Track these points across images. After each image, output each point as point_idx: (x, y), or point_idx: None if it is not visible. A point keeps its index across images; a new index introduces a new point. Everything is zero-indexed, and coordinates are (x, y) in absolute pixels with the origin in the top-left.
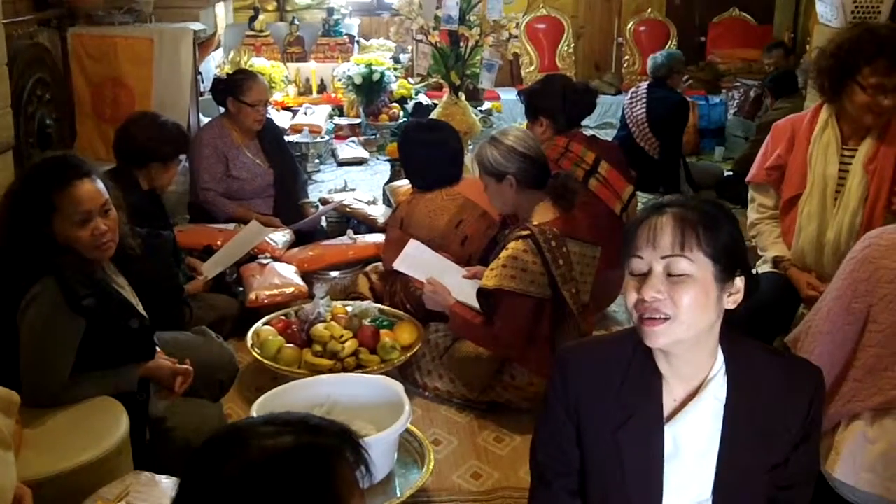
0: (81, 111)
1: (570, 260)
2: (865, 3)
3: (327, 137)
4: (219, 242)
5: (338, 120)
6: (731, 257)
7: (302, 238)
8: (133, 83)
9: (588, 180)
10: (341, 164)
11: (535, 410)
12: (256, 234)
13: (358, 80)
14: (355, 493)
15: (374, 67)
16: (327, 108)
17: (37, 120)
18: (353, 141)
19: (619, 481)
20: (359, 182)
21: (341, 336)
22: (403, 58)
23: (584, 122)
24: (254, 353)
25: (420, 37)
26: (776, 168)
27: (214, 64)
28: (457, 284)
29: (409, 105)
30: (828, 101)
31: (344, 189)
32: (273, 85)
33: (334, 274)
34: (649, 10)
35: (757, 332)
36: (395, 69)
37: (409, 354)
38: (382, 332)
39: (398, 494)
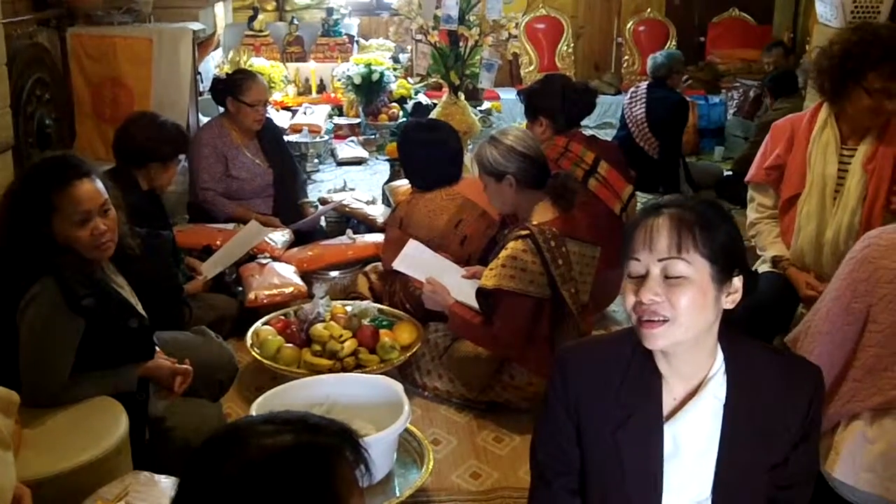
0: (81, 111)
1: (569, 260)
2: (865, 2)
3: (327, 137)
4: (218, 242)
5: (337, 120)
6: (729, 257)
7: (301, 238)
8: (132, 83)
9: (587, 180)
10: (341, 163)
11: (535, 410)
12: (256, 233)
13: (357, 80)
14: (355, 492)
15: (373, 67)
16: (327, 108)
17: (36, 120)
18: (352, 141)
19: (619, 481)
20: (358, 182)
21: (341, 336)
22: (403, 58)
23: (583, 122)
24: (253, 353)
25: (419, 37)
26: (775, 168)
27: (214, 64)
28: (456, 284)
29: (409, 105)
30: (828, 102)
31: (343, 189)
32: (272, 85)
33: (334, 274)
34: (648, 10)
35: (756, 332)
36: (395, 69)
37: (408, 354)
38: (382, 331)
39: (397, 494)
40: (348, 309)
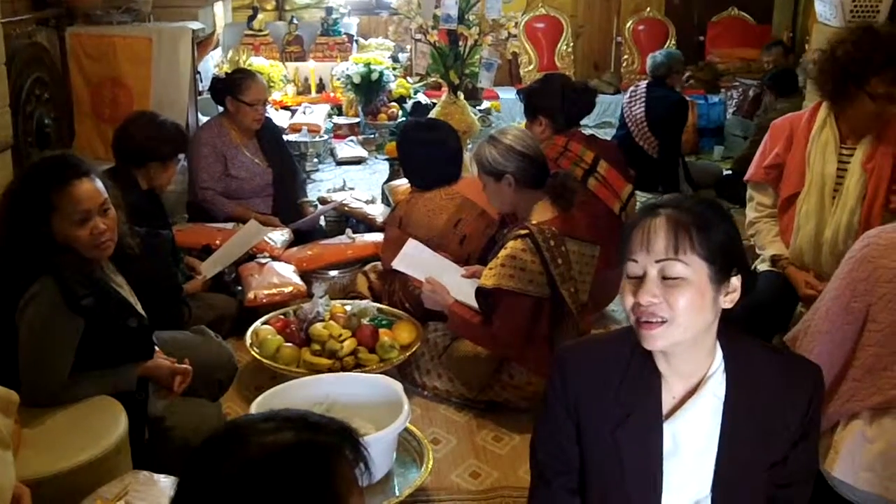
0: (80, 110)
1: (568, 259)
2: (864, 2)
3: (326, 137)
4: (217, 242)
5: (336, 119)
6: (727, 257)
7: (301, 237)
8: (132, 83)
9: (587, 179)
10: (340, 163)
11: (534, 410)
12: (255, 233)
13: (357, 80)
14: (354, 490)
15: (372, 67)
16: (326, 108)
17: (35, 119)
18: (351, 140)
19: (619, 479)
20: (357, 181)
21: (340, 335)
22: (402, 57)
23: (583, 122)
24: (253, 353)
25: (419, 36)
26: (774, 167)
27: (213, 63)
28: (455, 284)
29: (408, 104)
30: (829, 101)
31: (343, 188)
32: (272, 84)
33: (333, 273)
34: (648, 9)
35: (755, 331)
36: (394, 68)
37: (407, 354)
38: (381, 331)
39: (397, 493)
40: (348, 308)
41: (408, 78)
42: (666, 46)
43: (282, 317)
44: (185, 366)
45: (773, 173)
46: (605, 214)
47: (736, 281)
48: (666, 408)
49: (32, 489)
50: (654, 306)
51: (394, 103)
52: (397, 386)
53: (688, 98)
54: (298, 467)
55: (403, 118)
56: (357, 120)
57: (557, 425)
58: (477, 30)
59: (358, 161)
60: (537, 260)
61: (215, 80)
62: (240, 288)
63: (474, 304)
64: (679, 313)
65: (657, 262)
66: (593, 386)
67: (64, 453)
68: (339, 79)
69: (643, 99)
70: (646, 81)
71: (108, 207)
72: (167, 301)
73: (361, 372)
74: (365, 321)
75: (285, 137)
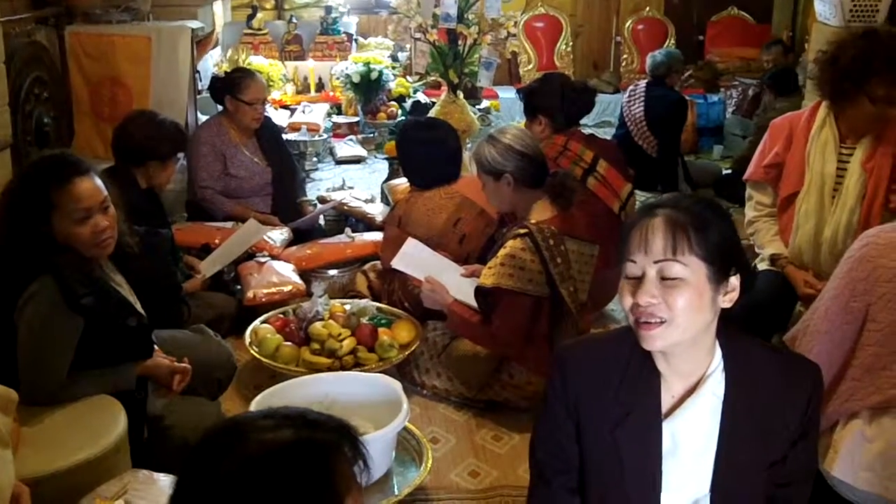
0: (79, 110)
1: (568, 258)
2: (864, 2)
3: (325, 136)
4: (217, 241)
5: (336, 118)
6: (725, 256)
7: (300, 236)
8: (131, 82)
9: (586, 179)
10: (339, 162)
11: (534, 409)
12: (254, 232)
13: (356, 79)
14: (353, 488)
15: (372, 66)
16: (325, 107)
17: (34, 118)
18: (351, 139)
19: (618, 479)
20: (357, 180)
21: (339, 334)
22: (402, 56)
23: (582, 121)
24: (252, 352)
25: (418, 35)
26: (774, 166)
27: (212, 62)
28: (455, 283)
29: (408, 103)
30: (829, 101)
31: (342, 187)
32: (271, 83)
33: (332, 272)
34: (647, 8)
35: (754, 330)
36: (394, 67)
37: (407, 353)
38: (381, 330)
39: (396, 493)
40: (347, 307)
41: (407, 77)
42: (665, 46)
43: (281, 316)
44: (184, 365)
45: (773, 172)
46: (604, 214)
47: (735, 280)
48: (665, 407)
49: (31, 488)
50: (653, 307)
51: (393, 102)
52: (396, 385)
53: (687, 97)
54: (297, 465)
55: (403, 117)
56: (356, 119)
57: (557, 424)
58: (476, 29)
59: (357, 160)
60: (536, 259)
61: (214, 79)
62: (239, 287)
63: (474, 303)
64: (678, 314)
65: (655, 262)
66: (593, 385)
67: (63, 452)
68: (338, 78)
69: (642, 98)
70: (645, 81)
71: (109, 205)
72: (166, 300)
73: (361, 371)
74: (364, 320)
75: (284, 136)
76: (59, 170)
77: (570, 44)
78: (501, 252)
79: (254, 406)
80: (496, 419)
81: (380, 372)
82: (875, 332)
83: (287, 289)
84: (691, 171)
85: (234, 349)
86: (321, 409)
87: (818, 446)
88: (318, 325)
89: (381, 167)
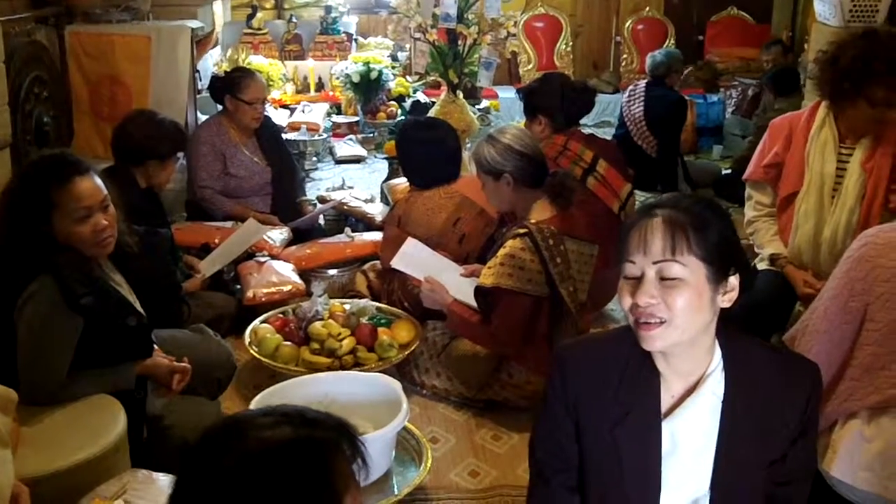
0: (79, 109)
1: (567, 258)
2: (863, 2)
3: (325, 135)
4: (216, 240)
5: (336, 118)
6: (724, 256)
7: (300, 236)
8: (130, 81)
9: (586, 179)
10: (339, 162)
11: (534, 409)
12: (254, 231)
13: (356, 78)
14: (351, 486)
15: (371, 65)
16: (325, 106)
17: (34, 118)
18: (350, 139)
19: (618, 478)
20: (356, 180)
21: (339, 334)
22: (401, 56)
23: (582, 121)
24: (251, 351)
25: (418, 35)
26: (773, 166)
27: (212, 62)
28: (454, 283)
29: (407, 103)
30: (828, 101)
31: (342, 187)
32: (271, 83)
33: (332, 272)
34: (647, 8)
35: (753, 330)
36: (393, 67)
37: (406, 352)
38: (380, 330)
39: (396, 492)
40: (347, 307)
41: (407, 77)
42: (665, 46)
43: (281, 315)
44: (183, 364)
45: (772, 172)
46: (604, 213)
47: (734, 280)
48: (665, 406)
49: (31, 487)
50: (653, 307)
51: (393, 102)
52: (396, 385)
53: (687, 97)
54: (296, 462)
55: (402, 117)
56: (356, 119)
57: (557, 424)
58: (476, 29)
59: (357, 160)
60: (536, 259)
61: (214, 79)
62: (239, 286)
63: (473, 303)
64: (677, 314)
65: (655, 263)
66: (593, 385)
67: (62, 452)
68: (338, 77)
69: (642, 98)
70: (645, 81)
71: (109, 204)
72: (166, 299)
73: (360, 371)
74: (364, 320)
75: (284, 136)
76: (60, 169)
77: (570, 44)
78: (501, 252)
79: (253, 405)
80: (496, 419)
81: (379, 372)
82: (873, 332)
83: (287, 288)
84: (691, 171)
85: (234, 349)
86: (321, 408)
87: (817, 446)
88: (317, 324)
89: (380, 167)
